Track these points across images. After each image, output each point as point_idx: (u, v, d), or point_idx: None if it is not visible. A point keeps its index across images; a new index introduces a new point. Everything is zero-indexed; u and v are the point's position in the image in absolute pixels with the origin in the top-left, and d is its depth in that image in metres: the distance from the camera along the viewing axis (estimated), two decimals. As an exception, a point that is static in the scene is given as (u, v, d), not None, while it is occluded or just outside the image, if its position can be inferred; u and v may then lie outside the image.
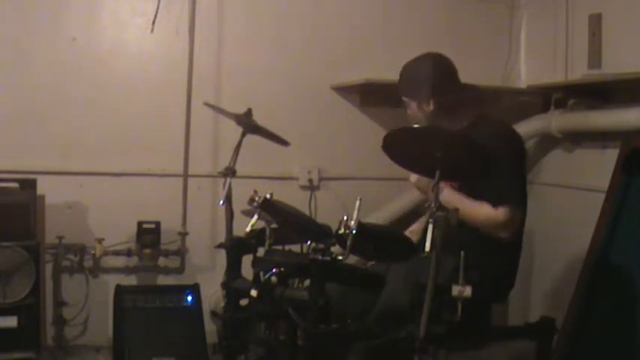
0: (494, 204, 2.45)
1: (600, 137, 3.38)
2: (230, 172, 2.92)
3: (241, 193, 2.74)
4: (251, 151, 3.06)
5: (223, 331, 2.96)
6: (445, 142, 2.09)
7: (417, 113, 2.64)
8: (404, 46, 3.81)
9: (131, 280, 3.65)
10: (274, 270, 2.33)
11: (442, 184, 2.27)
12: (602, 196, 3.12)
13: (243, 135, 3.00)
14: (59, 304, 3.52)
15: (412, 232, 2.88)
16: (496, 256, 2.53)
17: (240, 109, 3.01)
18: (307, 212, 3.68)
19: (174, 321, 3.31)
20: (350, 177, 3.89)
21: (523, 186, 2.58)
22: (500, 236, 2.49)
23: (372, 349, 2.32)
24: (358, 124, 3.88)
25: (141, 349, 3.18)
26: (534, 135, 3.70)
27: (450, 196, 2.46)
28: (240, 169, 2.96)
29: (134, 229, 3.56)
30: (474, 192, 2.48)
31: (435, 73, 2.63)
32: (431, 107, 2.59)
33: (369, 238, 2.23)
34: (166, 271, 3.72)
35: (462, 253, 2.16)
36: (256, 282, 2.38)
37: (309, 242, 2.42)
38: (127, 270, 3.66)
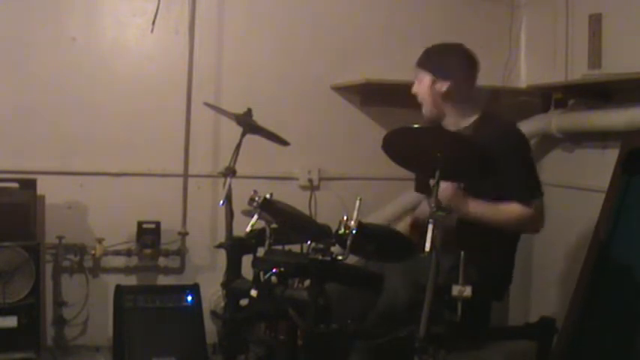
0: (522, 200, 2.45)
1: (600, 137, 3.38)
2: (230, 172, 2.92)
3: (241, 193, 2.74)
4: (251, 151, 3.06)
5: (223, 331, 2.96)
6: (445, 142, 2.09)
7: (425, 90, 2.62)
8: (404, 46, 3.83)
9: (131, 280, 3.65)
10: (274, 270, 2.33)
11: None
12: (602, 196, 3.12)
13: (243, 135, 3.00)
14: (59, 304, 3.52)
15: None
16: (494, 253, 2.53)
17: (240, 109, 3.01)
18: (307, 212, 3.68)
19: (174, 321, 3.31)
20: (350, 177, 3.88)
21: (538, 178, 2.59)
22: (535, 230, 2.55)
23: (372, 349, 2.32)
24: (358, 124, 3.88)
25: (141, 349, 3.18)
26: (534, 135, 3.69)
27: (475, 207, 2.43)
28: (240, 169, 2.96)
29: (134, 229, 3.56)
30: (482, 190, 2.46)
31: (461, 57, 2.63)
32: (444, 88, 2.58)
33: (369, 238, 2.23)
34: (166, 271, 3.72)
35: (462, 253, 2.16)
36: (256, 282, 2.38)
37: (309, 242, 2.42)
38: (127, 270, 3.66)
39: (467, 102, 2.63)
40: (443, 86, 2.58)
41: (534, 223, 2.53)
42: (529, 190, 2.50)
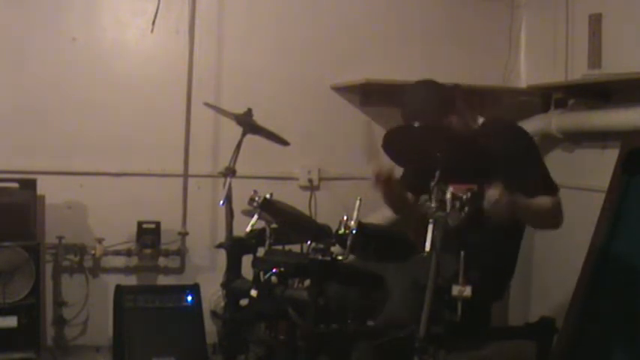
0: (548, 192, 2.44)
1: (600, 137, 3.38)
2: (230, 172, 2.93)
3: (241, 193, 2.74)
4: (251, 151, 3.07)
5: (223, 331, 2.96)
6: (445, 141, 2.08)
7: (458, 124, 2.55)
8: (404, 46, 3.85)
9: (131, 280, 3.65)
10: (274, 270, 2.33)
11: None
12: (602, 196, 3.12)
13: (243, 135, 3.00)
14: (59, 304, 3.52)
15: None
16: (497, 253, 2.53)
17: (240, 109, 3.01)
18: (307, 212, 3.68)
19: (174, 321, 3.31)
20: (350, 177, 3.88)
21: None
22: (558, 224, 2.47)
23: (372, 348, 2.32)
24: (358, 124, 3.87)
25: (141, 349, 3.18)
26: (534, 135, 3.68)
27: (507, 200, 2.26)
28: (240, 169, 2.96)
29: (134, 229, 3.56)
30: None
31: (438, 89, 2.58)
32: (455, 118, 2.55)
33: (369, 238, 2.23)
34: (166, 271, 3.72)
35: (462, 253, 2.16)
36: (256, 282, 2.38)
37: (309, 242, 2.42)
38: (127, 270, 3.66)
39: (465, 106, 2.60)
40: (454, 118, 2.53)
41: (559, 216, 2.47)
42: (551, 183, 2.48)
